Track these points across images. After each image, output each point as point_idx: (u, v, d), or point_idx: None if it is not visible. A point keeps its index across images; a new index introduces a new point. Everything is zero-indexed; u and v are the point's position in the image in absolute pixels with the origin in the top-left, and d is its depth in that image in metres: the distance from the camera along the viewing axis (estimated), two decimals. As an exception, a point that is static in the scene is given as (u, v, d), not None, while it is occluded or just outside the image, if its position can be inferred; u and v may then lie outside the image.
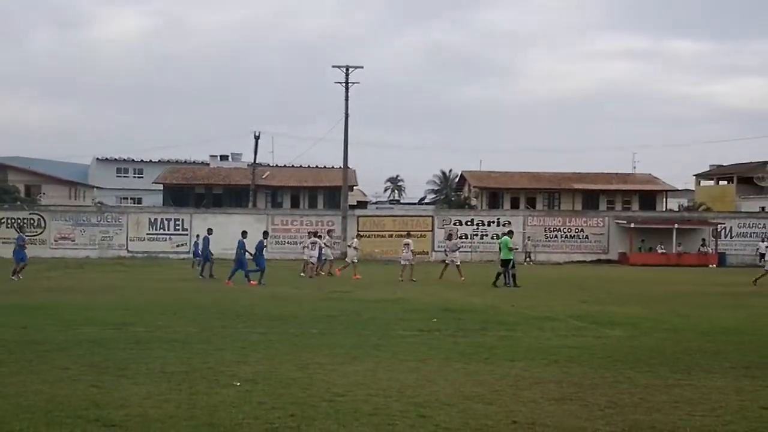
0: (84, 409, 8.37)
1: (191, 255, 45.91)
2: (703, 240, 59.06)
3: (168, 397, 9.05)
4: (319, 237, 37.85)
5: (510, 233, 33.47)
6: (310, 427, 7.70)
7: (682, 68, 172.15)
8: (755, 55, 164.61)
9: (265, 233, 34.52)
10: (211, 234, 36.43)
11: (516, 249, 36.19)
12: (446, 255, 36.01)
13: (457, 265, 33.73)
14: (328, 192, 74.17)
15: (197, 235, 45.28)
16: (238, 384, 9.80)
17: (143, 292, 25.17)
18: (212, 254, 35.31)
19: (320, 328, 16.02)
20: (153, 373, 10.50)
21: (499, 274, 30.07)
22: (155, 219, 59.00)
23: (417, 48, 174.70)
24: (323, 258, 36.84)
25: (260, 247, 31.53)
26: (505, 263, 30.21)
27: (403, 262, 34.32)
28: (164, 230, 58.75)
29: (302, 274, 35.55)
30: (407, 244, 35.02)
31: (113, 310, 18.88)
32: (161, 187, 77.08)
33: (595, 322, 17.67)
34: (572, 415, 8.36)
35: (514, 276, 29.85)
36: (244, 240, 31.41)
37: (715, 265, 56.07)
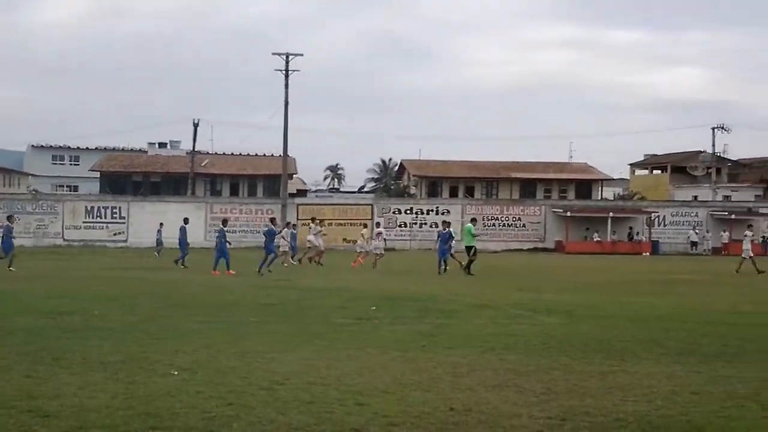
0: (17, 400, 8.26)
1: (155, 243, 46.32)
2: (631, 228, 59.95)
3: (104, 386, 8.97)
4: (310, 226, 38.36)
5: (473, 221, 34.08)
6: (248, 415, 7.70)
7: (617, 58, 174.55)
8: (689, 46, 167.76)
9: (273, 220, 34.45)
10: (187, 223, 36.67)
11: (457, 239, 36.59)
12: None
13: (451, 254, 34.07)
14: (267, 180, 73.85)
15: (161, 224, 46.09)
16: (176, 373, 9.75)
17: (79, 281, 24.85)
18: (188, 243, 35.19)
19: (260, 316, 15.99)
20: (89, 363, 10.39)
21: (470, 262, 30.52)
22: (92, 207, 58.27)
23: (358, 35, 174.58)
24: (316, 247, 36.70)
25: (272, 234, 31.33)
26: (467, 250, 30.70)
27: (375, 251, 34.72)
28: (101, 218, 58.09)
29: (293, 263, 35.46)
30: (379, 233, 35.49)
31: (48, 299, 18.60)
32: (98, 174, 76.05)
33: (532, 309, 17.89)
34: (508, 401, 8.48)
35: (472, 263, 30.37)
36: (225, 228, 31.42)
37: (648, 253, 57.14)
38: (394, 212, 59.76)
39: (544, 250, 58.26)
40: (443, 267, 30.56)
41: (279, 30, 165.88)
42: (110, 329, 13.64)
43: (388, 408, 8.06)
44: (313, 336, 13.18)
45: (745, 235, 35.45)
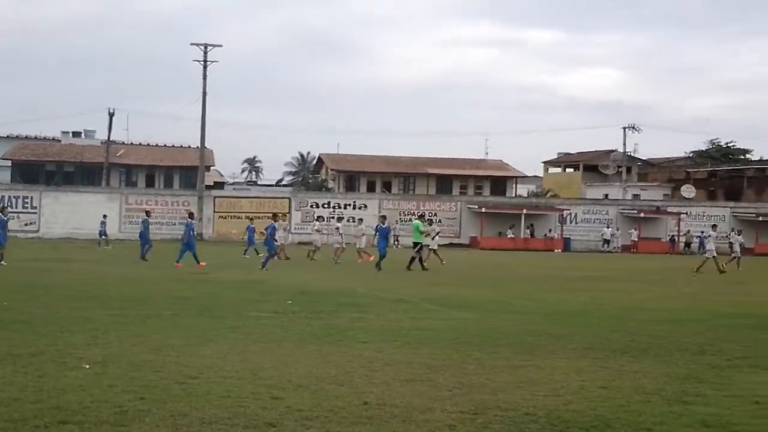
0: None
1: (98, 234, 46.70)
2: (532, 225, 60.83)
3: (13, 379, 8.81)
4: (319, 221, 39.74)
5: (421, 217, 34.65)
6: (161, 409, 7.65)
7: (533, 57, 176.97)
8: (603, 47, 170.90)
9: (276, 215, 34.91)
10: (149, 216, 36.99)
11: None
12: (432, 238, 36.50)
13: (434, 250, 34.61)
14: (184, 172, 72.97)
15: (104, 215, 48.25)
16: (88, 367, 9.62)
17: (-13, 272, 24.23)
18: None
19: (174, 309, 15.84)
20: (-3, 356, 10.18)
21: (413, 258, 30.86)
22: (2, 196, 56.74)
23: (277, 28, 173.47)
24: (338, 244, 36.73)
25: (272, 231, 31.08)
26: (414, 245, 31.05)
27: (335, 245, 34.92)
28: (12, 208, 56.52)
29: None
30: (337, 228, 36.68)
31: (-46, 291, 18.12)
32: (9, 163, 74.00)
33: (446, 304, 18.10)
34: (422, 395, 8.58)
35: (415, 259, 30.79)
36: (193, 222, 31.43)
37: (560, 250, 58.14)
38: (311, 206, 59.62)
39: (459, 245, 58.82)
40: (379, 262, 30.39)
41: (199, 21, 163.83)
42: (20, 321, 13.36)
43: (302, 402, 8.09)
44: (228, 329, 13.12)
45: (709, 236, 36.42)
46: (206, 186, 62.80)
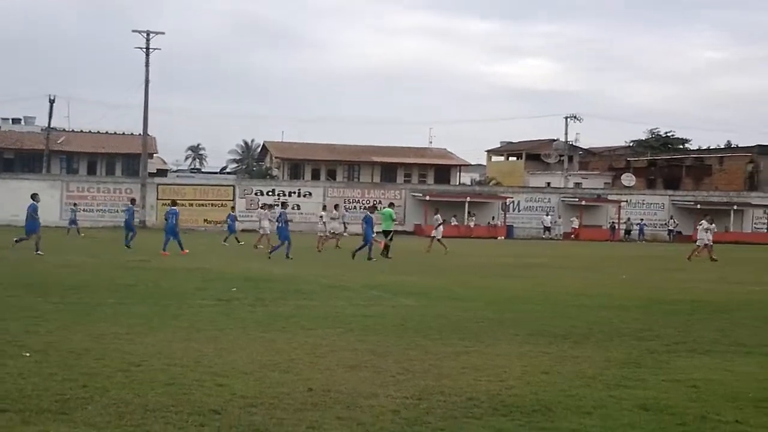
0: None
1: (68, 223, 47.03)
2: (471, 212, 61.10)
3: (-49, 369, 8.68)
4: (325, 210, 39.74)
5: (391, 205, 34.95)
6: (103, 397, 7.59)
7: (475, 47, 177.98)
8: (541, 37, 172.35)
9: (284, 204, 34.85)
10: (134, 204, 37.54)
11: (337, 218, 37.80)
12: (436, 228, 37.30)
13: (439, 240, 35.54)
14: (127, 159, 72.15)
15: (75, 203, 50.12)
16: (28, 355, 9.50)
17: None
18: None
19: (117, 297, 15.69)
20: (-65, 345, 10.01)
21: (387, 247, 31.00)
22: (-59, 184, 55.54)
23: (220, 15, 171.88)
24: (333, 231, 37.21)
25: (284, 218, 31.05)
26: (385, 234, 31.06)
27: (319, 234, 35.63)
28: (-52, 195, 55.44)
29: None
30: (321, 216, 37.00)
31: None
32: (-55, 149, 72.48)
33: (390, 291, 18.18)
34: (366, 381, 8.63)
35: (388, 248, 30.97)
36: (176, 209, 31.98)
37: (503, 237, 58.62)
38: (256, 194, 59.31)
39: (404, 233, 58.96)
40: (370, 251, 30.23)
41: (142, 7, 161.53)
42: (-43, 310, 13.13)
43: (247, 389, 8.09)
44: (172, 317, 13.04)
45: (701, 224, 36.52)
46: (149, 173, 62.19)
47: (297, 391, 8.09)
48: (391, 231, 31.88)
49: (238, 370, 8.99)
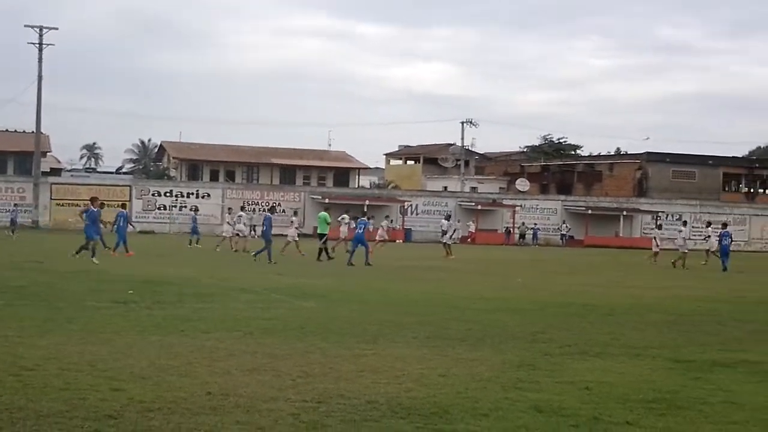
0: None
1: (9, 222, 46.37)
2: (370, 215, 61.37)
3: None
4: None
5: (328, 209, 34.93)
6: (-6, 403, 7.41)
7: (374, 51, 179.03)
8: (438, 42, 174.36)
9: (273, 209, 35.38)
10: (125, 209, 38.04)
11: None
12: (450, 236, 38.88)
13: (448, 245, 37.20)
14: (19, 157, 70.07)
15: (15, 204, 50.84)
16: None
17: None
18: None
19: (7, 299, 15.24)
20: None
21: (321, 250, 31.27)
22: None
23: (119, 12, 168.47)
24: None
25: (268, 222, 31.02)
26: (320, 237, 31.87)
27: (288, 239, 34.84)
28: None
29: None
30: (292, 222, 36.80)
31: None
32: None
33: (290, 294, 18.15)
34: (265, 385, 8.62)
35: (326, 249, 31.38)
36: (125, 211, 32.70)
37: (401, 241, 59.02)
38: (153, 194, 58.42)
39: (304, 236, 58.76)
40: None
41: (37, 3, 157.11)
42: None
43: (144, 393, 7.99)
44: (66, 320, 12.76)
45: (680, 231, 37.42)
46: (42, 172, 60.57)
47: (195, 395, 8.03)
48: (325, 234, 32.04)
49: (135, 375, 8.87)
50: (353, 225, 37.17)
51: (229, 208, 45.45)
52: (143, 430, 6.82)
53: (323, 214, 33.52)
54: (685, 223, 40.05)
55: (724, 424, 7.67)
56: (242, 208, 44.78)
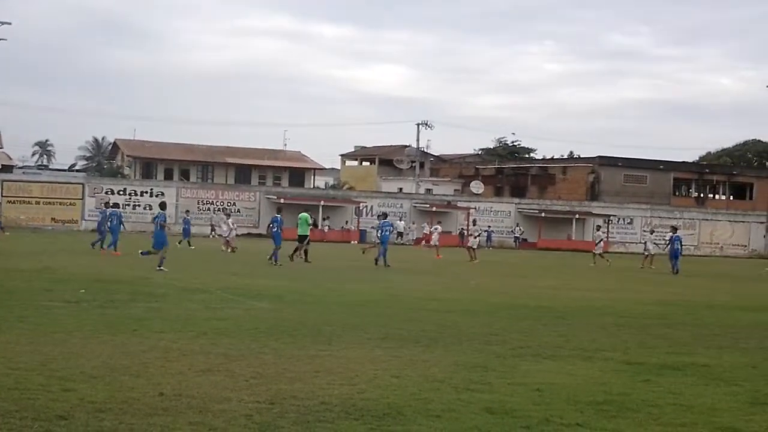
0: None
1: None
2: (325, 216, 61.38)
3: None
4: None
5: (307, 210, 35.03)
6: (-57, 403, 7.32)
7: (329, 52, 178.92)
8: (395, 44, 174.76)
9: (280, 209, 34.54)
10: (118, 207, 38.01)
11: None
12: (475, 238, 39.78)
13: (474, 248, 38.20)
14: (-33, 153, 68.95)
15: None
16: None
17: None
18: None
19: (-45, 298, 15.05)
20: None
21: (296, 249, 31.17)
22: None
23: (72, 9, 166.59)
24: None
25: (278, 223, 30.71)
26: (301, 239, 31.39)
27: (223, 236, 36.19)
28: None
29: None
30: (226, 222, 37.83)
31: None
32: None
33: (244, 294, 18.10)
34: (218, 385, 8.60)
35: (306, 252, 31.20)
36: (118, 210, 32.84)
37: (356, 242, 58.95)
38: (106, 192, 57.74)
39: (259, 236, 58.61)
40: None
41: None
42: None
43: (95, 394, 7.94)
44: (17, 319, 12.61)
45: (650, 237, 41.77)
46: (-7, 169, 59.71)
47: (148, 395, 7.99)
48: (307, 236, 31.79)
49: (87, 374, 8.81)
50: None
51: (187, 211, 45.57)
52: (94, 430, 6.77)
53: (304, 215, 32.90)
54: (652, 231, 46.06)
55: (674, 426, 7.80)
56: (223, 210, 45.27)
